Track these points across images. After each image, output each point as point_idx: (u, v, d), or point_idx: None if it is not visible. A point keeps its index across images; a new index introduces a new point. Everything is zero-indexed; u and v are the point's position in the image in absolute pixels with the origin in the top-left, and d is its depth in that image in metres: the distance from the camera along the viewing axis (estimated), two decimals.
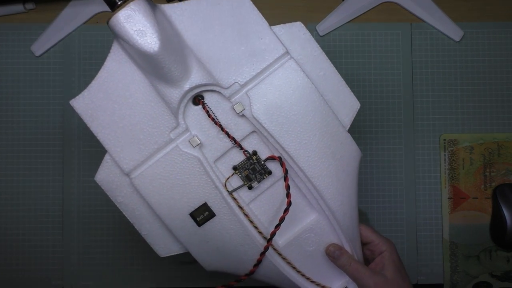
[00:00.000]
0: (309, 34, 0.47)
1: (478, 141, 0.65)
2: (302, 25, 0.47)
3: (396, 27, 0.66)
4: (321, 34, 0.66)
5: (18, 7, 0.65)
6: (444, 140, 0.65)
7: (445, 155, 0.65)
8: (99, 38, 0.65)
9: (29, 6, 0.66)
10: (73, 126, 0.65)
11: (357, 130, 0.65)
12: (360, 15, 0.66)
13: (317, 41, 0.61)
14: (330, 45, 0.66)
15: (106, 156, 0.45)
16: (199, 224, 0.45)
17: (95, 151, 0.65)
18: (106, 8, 0.65)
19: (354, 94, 0.53)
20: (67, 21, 0.65)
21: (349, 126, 0.48)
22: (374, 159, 0.65)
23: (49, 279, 0.64)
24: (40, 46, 0.65)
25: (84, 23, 0.66)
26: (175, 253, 0.48)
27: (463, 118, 0.66)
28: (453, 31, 0.66)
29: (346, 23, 0.66)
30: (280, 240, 0.47)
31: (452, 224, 0.65)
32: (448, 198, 0.65)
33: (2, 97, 0.65)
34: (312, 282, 0.47)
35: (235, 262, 0.46)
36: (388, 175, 0.65)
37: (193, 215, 0.45)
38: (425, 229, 0.65)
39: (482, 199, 0.65)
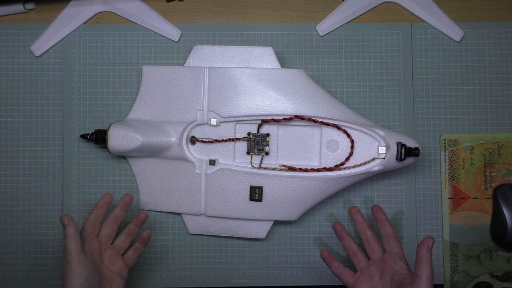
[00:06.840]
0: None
1: (478, 141, 0.65)
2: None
3: (396, 27, 0.66)
4: (321, 34, 0.66)
5: (18, 7, 0.65)
6: (444, 140, 0.65)
7: (445, 155, 0.65)
8: (99, 38, 0.65)
9: (29, 6, 0.66)
10: (73, 126, 0.65)
11: None
12: (360, 15, 0.66)
13: (317, 41, 0.62)
14: (330, 45, 0.66)
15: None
16: (260, 200, 0.61)
17: (95, 151, 0.65)
18: (105, 8, 0.65)
19: (354, 94, 0.66)
20: (67, 21, 0.65)
21: None
22: None
23: (49, 279, 0.64)
24: (40, 46, 0.65)
25: (84, 23, 0.66)
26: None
27: (463, 118, 0.66)
28: (453, 31, 0.66)
29: (346, 23, 0.66)
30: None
31: (452, 224, 0.65)
32: (448, 198, 0.65)
33: (2, 97, 0.65)
34: None
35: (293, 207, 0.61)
36: (388, 175, 0.65)
37: (252, 199, 0.61)
38: (425, 229, 0.65)
39: (482, 199, 0.65)
